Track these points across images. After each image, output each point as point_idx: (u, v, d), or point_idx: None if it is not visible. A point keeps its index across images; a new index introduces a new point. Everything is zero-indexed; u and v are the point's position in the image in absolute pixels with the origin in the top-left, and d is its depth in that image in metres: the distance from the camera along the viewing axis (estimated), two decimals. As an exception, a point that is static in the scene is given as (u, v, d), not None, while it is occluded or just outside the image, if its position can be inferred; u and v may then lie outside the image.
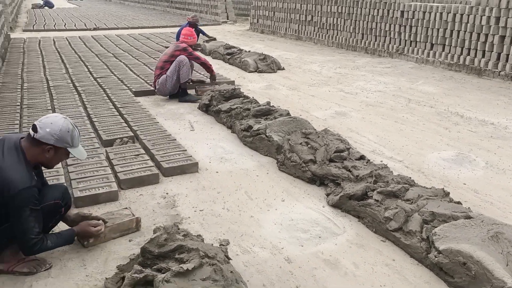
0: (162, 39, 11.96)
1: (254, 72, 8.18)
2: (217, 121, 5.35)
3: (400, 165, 4.08)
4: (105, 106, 5.62)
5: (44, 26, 15.08)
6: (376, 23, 10.22)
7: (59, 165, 3.68)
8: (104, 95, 6.17)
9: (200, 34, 10.93)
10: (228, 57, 9.23)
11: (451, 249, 2.45)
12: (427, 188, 3.15)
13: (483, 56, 7.94)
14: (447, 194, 3.08)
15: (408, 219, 2.82)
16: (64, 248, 2.71)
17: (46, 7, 24.13)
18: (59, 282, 2.41)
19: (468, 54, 8.23)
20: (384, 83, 7.39)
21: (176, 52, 6.01)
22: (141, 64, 8.42)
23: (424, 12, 9.03)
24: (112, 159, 3.93)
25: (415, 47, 9.35)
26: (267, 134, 4.29)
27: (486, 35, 7.81)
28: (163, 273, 2.16)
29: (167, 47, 10.26)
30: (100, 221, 2.75)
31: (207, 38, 11.21)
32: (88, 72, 7.64)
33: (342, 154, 3.65)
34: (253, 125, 4.54)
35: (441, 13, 8.65)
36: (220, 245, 2.74)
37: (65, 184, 3.35)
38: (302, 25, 12.78)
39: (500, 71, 7.63)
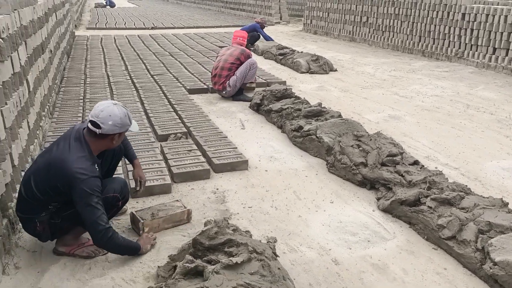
0: (216, 39, 12.19)
1: (306, 73, 8.16)
2: (268, 121, 5.40)
3: (456, 172, 3.94)
4: (160, 102, 5.82)
5: (105, 25, 15.80)
6: (435, 25, 9.87)
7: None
8: (160, 91, 6.39)
9: (261, 37, 11.05)
10: (280, 57, 9.26)
11: (507, 261, 2.35)
12: (484, 197, 3.03)
13: (552, 61, 7.47)
14: (505, 204, 2.94)
15: (463, 228, 2.72)
16: (121, 235, 2.85)
17: (108, 6, 25.29)
18: (115, 267, 2.54)
19: (535, 59, 7.77)
20: (442, 87, 7.14)
21: (242, 57, 6.21)
22: (195, 63, 8.64)
23: (487, 15, 8.61)
24: (166, 153, 4.07)
25: (476, 51, 8.94)
26: (317, 135, 4.28)
27: (556, 40, 7.34)
28: (213, 264, 2.23)
29: (221, 47, 10.52)
30: (155, 236, 2.83)
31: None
32: (145, 70, 7.94)
33: (395, 158, 3.57)
34: (304, 126, 4.54)
35: (505, 16, 8.21)
36: (267, 242, 2.77)
37: (123, 177, 3.51)
38: (356, 27, 12.58)
39: None
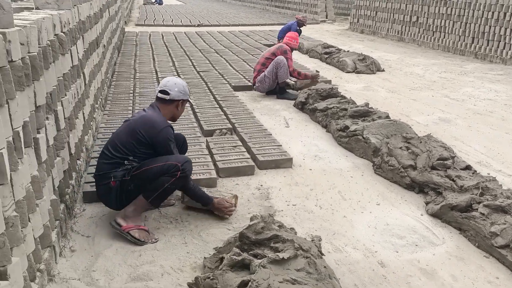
0: (261, 37, 12.24)
1: (352, 73, 8.04)
2: (312, 120, 5.37)
3: (510, 179, 3.77)
4: (206, 98, 5.92)
5: (153, 21, 16.23)
6: (490, 26, 9.47)
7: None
8: (206, 88, 6.50)
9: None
10: (326, 56, 9.17)
11: None
12: (542, 206, 2.88)
13: None
14: None
15: (518, 237, 2.60)
16: (168, 226, 2.94)
17: (156, 4, 25.95)
18: (164, 255, 2.62)
19: None
20: (495, 91, 6.84)
21: (277, 52, 6.18)
22: (240, 60, 8.71)
23: (548, 15, 8.17)
24: (212, 148, 4.14)
25: (534, 53, 8.51)
26: (364, 136, 4.22)
27: None
28: (259, 259, 2.25)
29: (266, 45, 10.56)
30: (233, 208, 3.13)
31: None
32: (192, 66, 8.09)
33: (445, 162, 3.47)
34: (350, 126, 4.48)
35: None
36: (312, 240, 2.77)
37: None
38: (405, 26, 12.26)
39: None
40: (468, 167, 3.49)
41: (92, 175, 3.06)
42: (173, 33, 12.71)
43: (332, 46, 9.73)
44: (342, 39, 12.60)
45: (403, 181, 3.56)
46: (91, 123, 4.34)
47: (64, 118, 3.01)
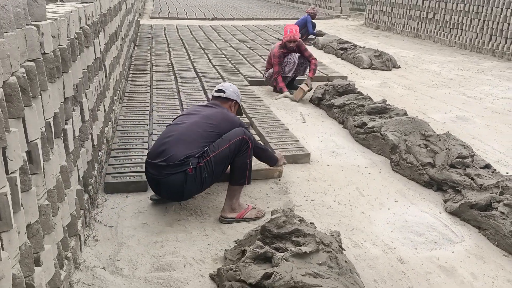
0: (275, 31, 12.22)
1: (368, 69, 8.01)
2: (329, 115, 5.37)
3: (529, 179, 3.75)
4: (223, 92, 5.94)
5: (168, 14, 16.26)
6: (508, 24, 9.33)
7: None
8: (222, 81, 6.53)
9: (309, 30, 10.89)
10: (341, 52, 9.13)
11: None
12: None
13: None
14: None
15: (540, 237, 2.60)
16: (189, 218, 2.99)
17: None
18: (185, 246, 2.66)
19: None
20: (513, 89, 6.77)
21: (270, 54, 6.20)
22: (255, 55, 8.72)
23: None
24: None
25: (554, 52, 8.38)
26: (382, 133, 4.22)
27: None
28: (280, 252, 2.28)
29: (279, 39, 10.54)
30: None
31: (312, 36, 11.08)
32: (207, 60, 8.12)
33: (465, 160, 3.46)
34: (368, 122, 4.48)
35: None
36: (331, 235, 2.79)
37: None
38: (421, 23, 12.15)
39: None
40: (487, 166, 3.48)
41: (155, 161, 2.88)
42: (187, 26, 12.73)
43: (348, 42, 9.68)
44: (357, 35, 12.53)
45: (421, 178, 3.56)
46: (111, 115, 4.40)
47: (88, 109, 3.06)
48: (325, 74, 7.11)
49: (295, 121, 5.15)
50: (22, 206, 1.59)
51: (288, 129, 4.59)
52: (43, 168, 1.91)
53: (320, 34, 11.26)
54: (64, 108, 2.40)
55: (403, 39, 12.15)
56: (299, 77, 6.64)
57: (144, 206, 3.13)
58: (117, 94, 5.14)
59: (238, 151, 2.90)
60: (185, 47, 9.33)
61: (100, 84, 3.70)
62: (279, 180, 3.64)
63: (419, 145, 3.78)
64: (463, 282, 2.46)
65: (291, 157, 4.00)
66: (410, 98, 6.20)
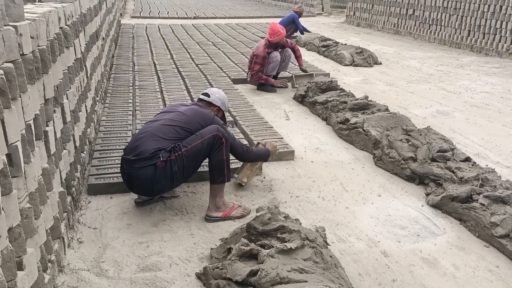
0: (258, 29, 12.22)
1: (350, 66, 8.08)
2: (312, 112, 5.41)
3: (508, 171, 3.84)
4: (206, 91, 5.93)
5: (149, 14, 16.12)
6: (486, 19, 9.52)
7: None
8: (205, 80, 6.51)
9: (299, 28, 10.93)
10: (324, 49, 9.19)
11: None
12: (540, 197, 2.95)
13: None
14: None
15: (518, 227, 2.67)
16: (174, 217, 2.98)
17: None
18: (171, 246, 2.66)
19: None
20: (492, 83, 6.91)
21: (252, 54, 6.21)
22: (238, 53, 8.71)
23: (544, 9, 8.24)
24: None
25: (530, 46, 8.58)
26: (364, 128, 4.27)
27: None
28: (266, 249, 2.30)
29: (262, 38, 10.56)
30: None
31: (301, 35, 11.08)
32: (190, 59, 8.08)
33: (445, 154, 3.53)
34: (350, 118, 4.53)
35: None
36: (316, 230, 2.82)
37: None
38: (401, 19, 12.30)
39: None
40: (467, 159, 3.55)
41: (128, 157, 2.89)
42: (169, 25, 12.64)
43: (330, 39, 9.75)
44: (338, 32, 12.62)
45: (404, 172, 3.61)
46: (93, 116, 4.35)
47: (70, 111, 3.03)
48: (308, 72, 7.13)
49: (279, 118, 5.17)
50: (3, 209, 1.57)
51: (272, 127, 4.61)
52: (24, 171, 1.88)
53: (309, 32, 11.31)
54: (45, 109, 2.37)
55: (384, 35, 12.29)
56: (282, 73, 6.69)
57: (128, 207, 3.11)
58: (99, 95, 5.08)
59: (212, 148, 2.89)
60: (167, 47, 9.26)
61: (81, 85, 3.66)
62: (264, 177, 3.65)
63: (400, 140, 3.84)
64: (445, 273, 2.52)
65: (276, 154, 4.01)
66: (392, 94, 6.28)
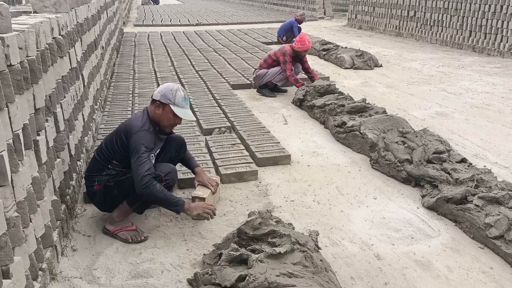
0: (259, 35, 12.26)
1: (350, 69, 8.07)
2: (310, 116, 5.41)
3: (506, 171, 3.81)
4: (205, 97, 5.96)
5: (152, 22, 16.26)
6: (487, 19, 9.48)
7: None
8: (205, 87, 6.54)
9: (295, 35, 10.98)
10: (324, 53, 9.20)
11: (560, 263, 2.27)
12: (536, 197, 2.92)
13: None
14: (559, 205, 2.83)
15: (511, 227, 2.64)
16: (168, 224, 2.99)
17: (151, 3, 25.97)
18: (164, 253, 2.66)
19: None
20: (493, 84, 6.87)
21: (277, 52, 6.18)
22: (239, 59, 8.74)
23: (545, 7, 8.18)
24: (211, 147, 4.18)
25: (532, 45, 8.52)
26: (361, 131, 4.26)
27: None
28: (256, 253, 2.30)
29: (264, 43, 10.63)
30: (214, 208, 2.87)
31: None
32: (190, 65, 8.12)
33: (441, 155, 3.51)
34: (347, 122, 4.52)
35: None
36: (309, 235, 2.81)
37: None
38: (403, 21, 12.28)
39: None
40: (463, 160, 3.53)
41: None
42: (171, 33, 12.73)
43: (330, 43, 9.75)
44: (340, 36, 12.62)
45: (400, 175, 3.60)
46: (91, 124, 4.39)
47: (64, 120, 3.06)
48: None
49: (277, 123, 5.18)
50: (-14, 218, 1.59)
51: (269, 131, 4.61)
52: (11, 180, 1.90)
53: None
54: (36, 119, 2.40)
55: (386, 38, 12.27)
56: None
57: (123, 214, 3.12)
58: (97, 103, 5.13)
59: None
60: (168, 54, 9.33)
61: (77, 93, 3.70)
62: (260, 182, 3.66)
63: (396, 142, 3.83)
64: (439, 275, 2.50)
65: (272, 159, 4.03)
66: (391, 96, 6.26)
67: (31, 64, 2.34)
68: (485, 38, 9.60)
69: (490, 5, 9.35)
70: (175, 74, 7.37)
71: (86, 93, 4.23)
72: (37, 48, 2.51)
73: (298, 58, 6.21)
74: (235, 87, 6.70)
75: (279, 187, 3.58)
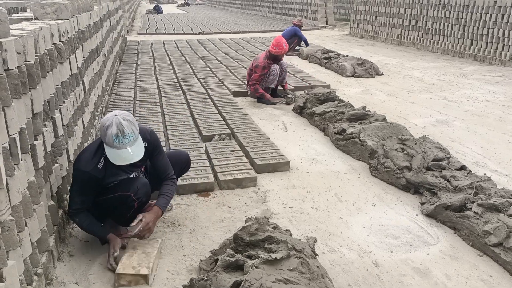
0: (262, 43, 12.32)
1: (351, 77, 8.08)
2: (310, 123, 5.41)
3: (506, 179, 3.79)
4: (206, 104, 5.98)
5: (155, 30, 16.37)
6: (488, 28, 9.49)
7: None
8: (206, 94, 6.56)
9: (302, 40, 11.02)
10: (325, 61, 9.22)
11: (560, 271, 2.24)
12: (536, 205, 2.90)
13: None
14: (559, 213, 2.80)
15: (511, 235, 2.62)
16: (165, 230, 2.98)
17: (156, 13, 26.17)
18: (160, 259, 2.65)
19: None
20: (494, 92, 6.86)
21: (253, 65, 6.26)
22: (240, 67, 8.78)
23: (546, 16, 8.19)
24: (210, 153, 4.18)
25: (533, 54, 8.52)
26: (360, 138, 4.25)
27: None
28: (253, 259, 2.28)
29: (263, 50, 10.65)
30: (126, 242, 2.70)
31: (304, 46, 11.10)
32: (192, 73, 8.16)
33: (440, 163, 3.49)
34: (347, 129, 4.52)
35: None
36: (307, 241, 2.80)
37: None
38: (405, 30, 12.31)
39: None
40: (463, 167, 3.51)
41: None
42: (174, 41, 12.81)
43: (331, 51, 9.78)
44: (342, 44, 12.66)
45: (399, 182, 3.58)
46: (91, 131, 4.40)
47: (63, 125, 3.06)
48: (308, 83, 7.16)
49: (277, 130, 5.18)
50: (-20, 221, 1.59)
51: (269, 138, 4.61)
52: (7, 183, 1.90)
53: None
54: (33, 123, 2.41)
55: (387, 46, 12.30)
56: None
57: (121, 220, 3.12)
58: (99, 110, 5.15)
59: (123, 203, 2.68)
60: (170, 62, 9.38)
61: (77, 99, 3.71)
62: (258, 189, 3.65)
63: (396, 149, 3.82)
64: (437, 283, 2.47)
65: (271, 165, 4.02)
66: (392, 104, 6.26)
67: (29, 69, 2.35)
68: (486, 47, 9.60)
69: (491, 14, 9.36)
70: (176, 82, 7.40)
71: (86, 99, 4.24)
72: (36, 54, 2.52)
73: (276, 60, 6.28)
74: (236, 94, 6.71)
75: (278, 193, 3.57)
